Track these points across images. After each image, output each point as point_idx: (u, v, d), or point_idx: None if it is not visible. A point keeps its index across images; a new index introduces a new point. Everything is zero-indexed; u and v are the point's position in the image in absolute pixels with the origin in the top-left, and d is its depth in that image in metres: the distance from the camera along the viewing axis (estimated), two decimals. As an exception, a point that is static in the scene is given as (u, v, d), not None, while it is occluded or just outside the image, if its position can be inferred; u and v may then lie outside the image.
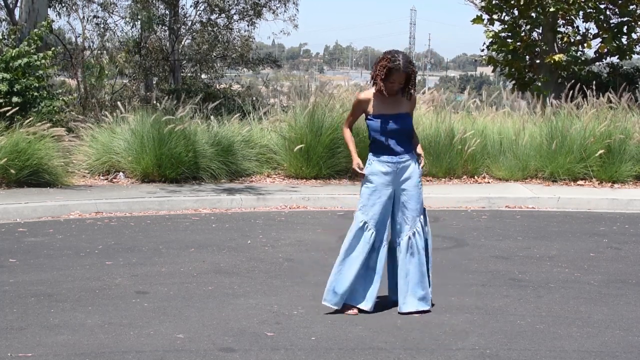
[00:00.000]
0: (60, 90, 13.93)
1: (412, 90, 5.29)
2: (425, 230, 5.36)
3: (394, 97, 5.26)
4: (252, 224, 8.56)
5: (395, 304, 5.35)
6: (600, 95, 12.25)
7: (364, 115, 5.39)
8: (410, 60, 5.24)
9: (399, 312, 5.24)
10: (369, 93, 5.35)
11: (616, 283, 6.19)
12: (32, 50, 11.41)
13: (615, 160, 11.45)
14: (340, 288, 5.23)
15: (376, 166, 5.28)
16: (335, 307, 5.25)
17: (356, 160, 5.37)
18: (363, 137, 11.37)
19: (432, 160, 11.54)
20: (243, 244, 7.48)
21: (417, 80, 5.36)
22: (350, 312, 5.25)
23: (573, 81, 12.98)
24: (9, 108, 10.67)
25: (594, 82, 13.11)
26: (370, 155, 5.34)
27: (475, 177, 11.74)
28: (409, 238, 5.25)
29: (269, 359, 4.39)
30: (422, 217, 5.33)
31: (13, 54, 11.22)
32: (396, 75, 5.15)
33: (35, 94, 11.32)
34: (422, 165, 5.39)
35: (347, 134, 5.53)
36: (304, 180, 11.33)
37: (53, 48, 13.17)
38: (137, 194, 9.93)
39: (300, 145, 11.09)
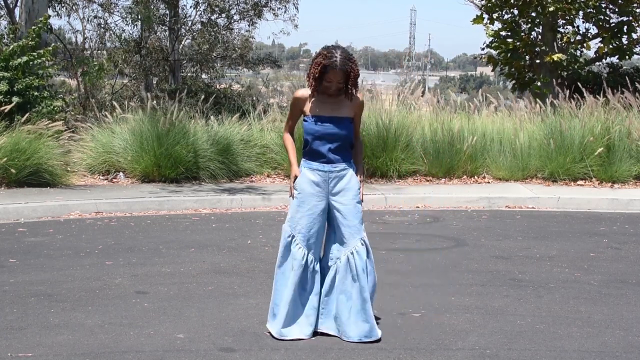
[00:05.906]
0: (60, 90, 13.93)
1: (354, 91, 4.62)
2: (366, 251, 4.65)
3: (335, 97, 4.65)
4: (252, 224, 8.56)
5: (315, 332, 4.72)
6: (599, 94, 12.25)
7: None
8: (350, 56, 4.55)
9: (343, 339, 4.63)
10: (307, 90, 4.70)
11: (616, 283, 6.19)
12: (31, 44, 11.40)
13: (615, 159, 11.44)
14: (276, 309, 4.69)
15: (306, 174, 4.68)
16: (277, 336, 4.63)
17: (295, 171, 4.74)
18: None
19: (432, 160, 11.55)
20: (243, 244, 7.48)
21: (361, 81, 4.51)
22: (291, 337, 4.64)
23: (566, 81, 12.97)
24: (8, 106, 10.67)
25: (592, 83, 13.11)
26: (302, 161, 4.74)
27: (475, 177, 11.74)
28: (347, 258, 4.61)
29: (269, 359, 4.39)
30: (363, 234, 4.66)
31: (13, 48, 11.22)
32: (332, 74, 4.51)
33: (36, 93, 11.32)
34: (360, 192, 4.70)
35: (287, 139, 4.87)
36: (304, 180, 11.31)
37: (53, 44, 13.16)
38: (137, 194, 9.93)
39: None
